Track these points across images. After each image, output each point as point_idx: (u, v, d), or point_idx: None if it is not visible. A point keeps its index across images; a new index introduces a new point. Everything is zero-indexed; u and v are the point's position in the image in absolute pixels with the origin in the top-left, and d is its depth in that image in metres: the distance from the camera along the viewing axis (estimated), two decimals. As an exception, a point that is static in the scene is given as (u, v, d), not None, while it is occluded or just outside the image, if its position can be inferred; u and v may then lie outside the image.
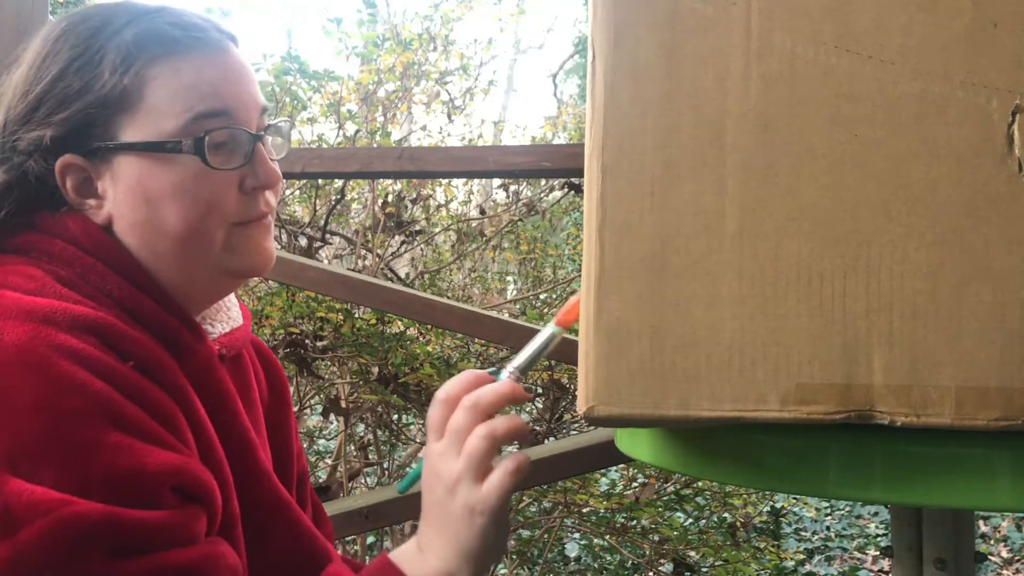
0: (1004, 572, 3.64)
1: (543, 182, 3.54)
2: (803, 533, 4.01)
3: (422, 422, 2.94)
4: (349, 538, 2.54)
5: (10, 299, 0.59)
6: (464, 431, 0.62)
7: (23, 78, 0.67)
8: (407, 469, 3.02)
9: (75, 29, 0.67)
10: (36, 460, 0.53)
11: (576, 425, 2.84)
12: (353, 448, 2.80)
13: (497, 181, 3.82)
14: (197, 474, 0.61)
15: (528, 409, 3.12)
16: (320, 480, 2.68)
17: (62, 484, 0.53)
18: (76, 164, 0.67)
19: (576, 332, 0.66)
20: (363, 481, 2.97)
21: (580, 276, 0.65)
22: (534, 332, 0.74)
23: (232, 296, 0.81)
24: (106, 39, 0.66)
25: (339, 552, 0.85)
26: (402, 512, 1.61)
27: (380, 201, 2.98)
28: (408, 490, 0.74)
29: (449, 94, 3.73)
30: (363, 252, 3.01)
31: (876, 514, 4.31)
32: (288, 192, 2.93)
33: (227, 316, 0.78)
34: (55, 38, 0.67)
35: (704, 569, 2.77)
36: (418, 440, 2.93)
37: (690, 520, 2.97)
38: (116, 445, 0.56)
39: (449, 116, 3.76)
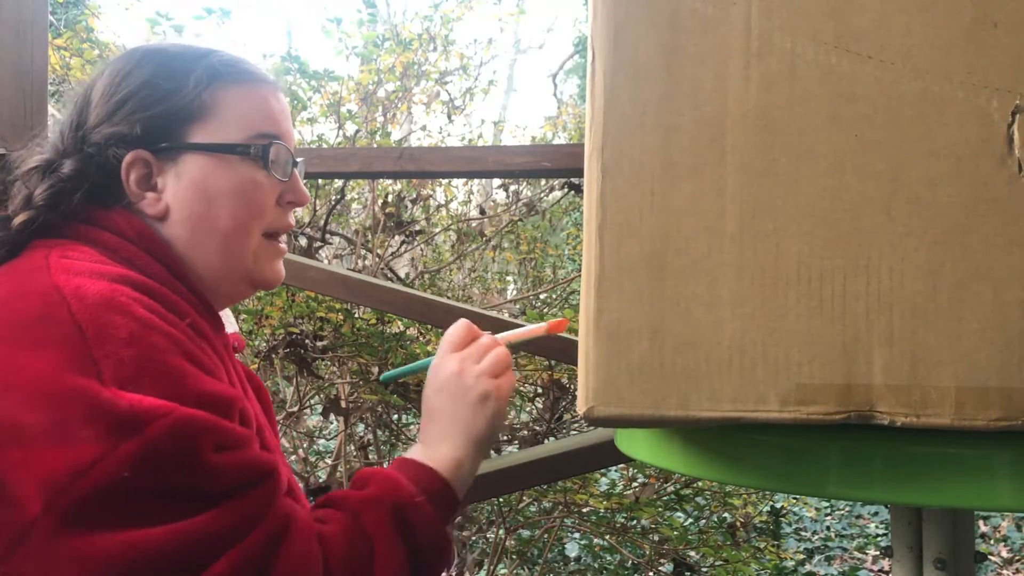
0: (1004, 572, 3.64)
1: (543, 182, 3.55)
2: (803, 533, 4.01)
3: (422, 422, 2.93)
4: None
5: (79, 265, 0.69)
6: (489, 346, 0.84)
7: (106, 84, 0.79)
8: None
9: (157, 53, 0.81)
10: (138, 381, 0.62)
11: (576, 425, 2.84)
12: (353, 448, 2.80)
13: (497, 181, 3.82)
14: (248, 407, 0.72)
15: (528, 409, 3.12)
16: (320, 480, 2.68)
17: (165, 397, 0.62)
18: (144, 159, 0.77)
19: (576, 332, 0.66)
20: (363, 481, 2.96)
21: (580, 276, 0.65)
22: None
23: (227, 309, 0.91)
24: (191, 61, 0.80)
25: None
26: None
27: (380, 201, 2.98)
28: (392, 381, 0.86)
29: (449, 94, 3.73)
30: (363, 252, 3.02)
31: (876, 514, 4.31)
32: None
33: (228, 321, 0.88)
34: (138, 58, 0.80)
35: (704, 569, 2.77)
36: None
37: (690, 520, 2.97)
38: (195, 373, 0.66)
39: (449, 116, 3.76)
